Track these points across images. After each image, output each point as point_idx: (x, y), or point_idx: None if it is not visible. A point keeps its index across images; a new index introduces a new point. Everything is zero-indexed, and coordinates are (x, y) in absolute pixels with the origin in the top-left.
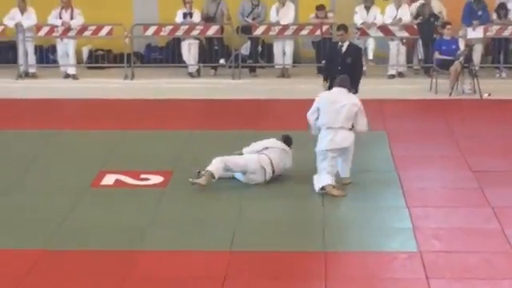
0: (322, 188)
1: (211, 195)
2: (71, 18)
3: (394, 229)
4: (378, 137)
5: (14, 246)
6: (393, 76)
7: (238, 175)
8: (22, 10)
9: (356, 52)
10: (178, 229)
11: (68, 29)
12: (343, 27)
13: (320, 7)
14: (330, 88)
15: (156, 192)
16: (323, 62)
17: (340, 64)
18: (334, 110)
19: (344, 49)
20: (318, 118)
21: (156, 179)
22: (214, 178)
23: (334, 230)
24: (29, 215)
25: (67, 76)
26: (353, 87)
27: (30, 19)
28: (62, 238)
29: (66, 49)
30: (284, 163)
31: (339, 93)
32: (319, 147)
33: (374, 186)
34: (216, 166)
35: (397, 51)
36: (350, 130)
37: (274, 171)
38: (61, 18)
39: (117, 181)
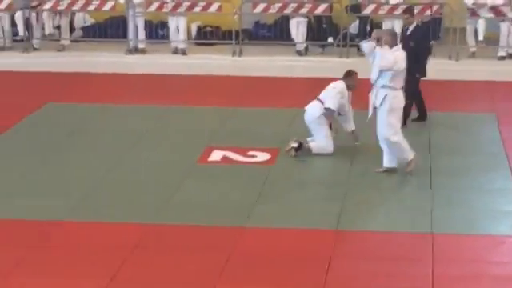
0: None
1: (318, 173)
2: None
3: (502, 212)
4: (487, 118)
5: (123, 220)
6: (503, 57)
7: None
8: None
9: (420, 35)
10: (284, 206)
11: (178, 4)
12: (409, 10)
13: None
14: None
15: (263, 169)
16: (431, 42)
17: (404, 47)
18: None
19: (409, 32)
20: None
21: (263, 156)
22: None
23: (441, 212)
24: (137, 189)
25: (176, 52)
26: (417, 71)
27: None
28: (169, 213)
29: (177, 24)
30: (333, 98)
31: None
32: (402, 104)
33: (482, 168)
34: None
35: (507, 32)
36: None
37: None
38: None
39: (224, 157)
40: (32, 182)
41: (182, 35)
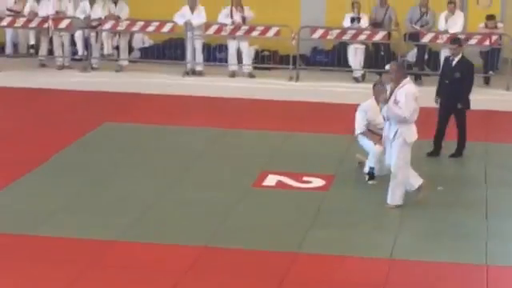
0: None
1: (372, 201)
2: (242, 18)
3: None
4: None
5: (177, 242)
6: None
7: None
8: (193, 8)
9: (466, 67)
10: (337, 233)
11: (237, 28)
12: (458, 41)
13: (490, 17)
14: (441, 105)
15: (317, 195)
16: (490, 72)
17: (448, 78)
18: None
19: (454, 63)
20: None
21: (318, 182)
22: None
23: (496, 244)
24: (192, 211)
25: (233, 75)
26: (461, 102)
27: (199, 17)
28: (222, 236)
29: (237, 48)
30: (355, 123)
31: None
32: (414, 138)
33: None
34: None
35: None
36: None
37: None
38: (231, 17)
39: (278, 182)
40: (88, 201)
41: (248, 59)
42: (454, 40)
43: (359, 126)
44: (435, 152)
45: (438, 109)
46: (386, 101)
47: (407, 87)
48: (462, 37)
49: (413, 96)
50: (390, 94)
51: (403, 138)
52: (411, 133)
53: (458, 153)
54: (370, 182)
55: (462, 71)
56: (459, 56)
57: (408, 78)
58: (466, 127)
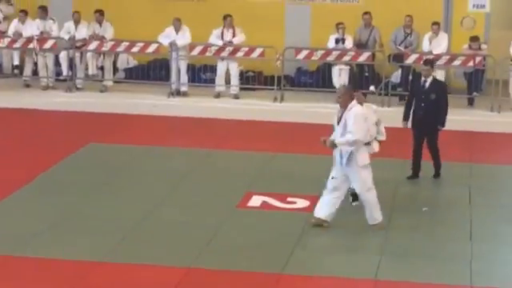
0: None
1: (357, 223)
2: (230, 42)
3: None
4: None
5: (161, 262)
6: None
7: None
8: (177, 29)
9: (440, 88)
10: (322, 254)
11: (222, 48)
12: (430, 62)
13: (474, 38)
14: (415, 127)
15: (302, 216)
16: (474, 93)
17: (423, 100)
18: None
19: (428, 84)
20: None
21: (302, 203)
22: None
23: (480, 264)
24: (176, 231)
25: (218, 96)
26: (439, 123)
27: (184, 38)
28: (207, 257)
29: (226, 68)
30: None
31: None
32: (366, 161)
33: None
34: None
35: None
36: None
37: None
38: (222, 38)
39: (263, 203)
40: (72, 222)
41: (236, 80)
42: (427, 61)
43: None
44: (414, 175)
45: (412, 130)
46: (333, 144)
47: (354, 110)
48: (447, 57)
49: (362, 117)
50: (339, 120)
51: (356, 163)
52: (363, 156)
53: (437, 173)
54: (354, 204)
55: (437, 92)
56: (431, 77)
57: (354, 101)
58: (438, 147)
